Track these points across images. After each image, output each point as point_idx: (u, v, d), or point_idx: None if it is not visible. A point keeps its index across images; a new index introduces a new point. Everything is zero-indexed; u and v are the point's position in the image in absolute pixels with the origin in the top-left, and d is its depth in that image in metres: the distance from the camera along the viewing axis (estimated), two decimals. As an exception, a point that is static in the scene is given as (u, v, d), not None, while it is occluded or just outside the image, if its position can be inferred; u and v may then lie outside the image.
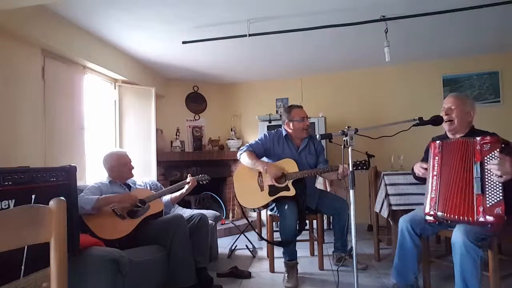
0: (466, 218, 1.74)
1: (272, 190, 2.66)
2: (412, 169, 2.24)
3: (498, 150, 1.70)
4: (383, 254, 3.09)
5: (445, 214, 1.82)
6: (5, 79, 2.39)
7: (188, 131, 4.95)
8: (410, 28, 3.30)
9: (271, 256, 2.85)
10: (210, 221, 2.89)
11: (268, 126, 4.44)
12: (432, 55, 4.26)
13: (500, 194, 1.66)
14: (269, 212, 2.87)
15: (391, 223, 2.73)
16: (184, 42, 3.32)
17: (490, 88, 4.28)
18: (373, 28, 3.08)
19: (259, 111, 4.86)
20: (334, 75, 4.81)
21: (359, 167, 2.44)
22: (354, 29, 3.12)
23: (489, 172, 1.71)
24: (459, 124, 2.07)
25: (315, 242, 3.15)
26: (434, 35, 3.57)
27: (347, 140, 1.82)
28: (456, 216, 1.78)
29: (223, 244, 3.62)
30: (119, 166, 2.65)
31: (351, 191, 1.82)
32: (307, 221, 2.96)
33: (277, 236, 2.88)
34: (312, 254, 3.27)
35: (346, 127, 1.84)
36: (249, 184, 2.74)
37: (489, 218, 1.66)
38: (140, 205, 2.46)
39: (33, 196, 1.59)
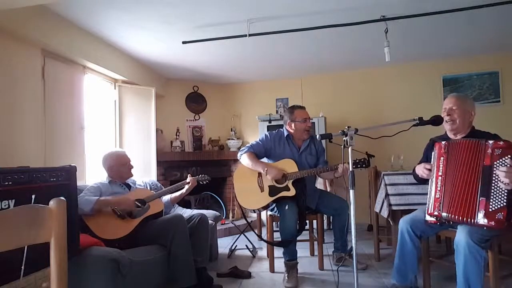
0: (466, 219, 1.75)
1: (272, 190, 2.66)
2: (413, 170, 2.23)
3: (509, 156, 1.68)
4: (383, 254, 3.09)
5: (450, 215, 1.82)
6: (5, 79, 2.39)
7: (188, 131, 4.95)
8: (410, 28, 3.29)
9: (271, 256, 2.85)
10: (210, 221, 2.89)
11: (268, 126, 4.44)
12: (432, 55, 4.26)
13: (505, 200, 1.64)
14: (269, 212, 2.87)
15: (391, 223, 2.73)
16: (184, 42, 3.32)
17: (490, 88, 4.28)
18: (373, 28, 3.08)
19: (259, 111, 4.86)
20: (334, 75, 4.81)
21: (359, 165, 2.45)
22: (354, 29, 3.12)
23: (496, 177, 1.70)
24: (461, 124, 2.07)
25: (315, 242, 3.15)
26: (434, 35, 3.57)
27: (347, 140, 1.82)
28: (458, 217, 1.78)
29: (223, 244, 3.62)
30: (119, 166, 2.65)
31: (351, 191, 1.82)
32: (307, 221, 2.97)
33: (277, 236, 2.88)
34: (312, 254, 3.27)
35: (346, 127, 1.84)
36: (249, 184, 2.74)
37: (490, 223, 1.66)
38: (140, 205, 2.46)
39: (33, 196, 1.59)
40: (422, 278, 2.26)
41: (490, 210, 1.67)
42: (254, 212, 3.07)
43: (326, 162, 2.93)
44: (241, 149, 2.91)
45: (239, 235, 3.64)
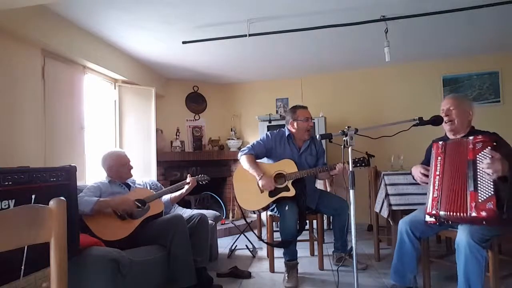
0: (460, 214, 1.78)
1: (272, 191, 2.66)
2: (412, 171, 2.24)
3: (489, 148, 1.75)
4: (383, 254, 3.09)
5: (447, 213, 1.84)
6: (5, 79, 2.39)
7: (188, 131, 4.95)
8: (410, 28, 3.30)
9: (271, 256, 2.85)
10: (210, 221, 2.89)
11: (268, 126, 4.44)
12: (432, 55, 4.26)
13: (491, 190, 1.70)
14: (269, 213, 2.87)
15: (391, 223, 2.73)
16: (184, 42, 3.32)
17: (490, 88, 4.28)
18: (373, 28, 3.08)
19: (259, 111, 4.86)
20: (334, 75, 4.81)
21: (358, 164, 2.45)
22: (354, 29, 3.12)
23: (481, 169, 1.76)
24: (459, 124, 2.09)
25: (315, 242, 3.15)
26: (434, 35, 3.57)
27: (347, 140, 1.83)
28: (454, 213, 1.80)
29: (223, 244, 3.62)
30: (118, 167, 2.64)
31: (351, 191, 1.82)
32: (307, 221, 2.97)
33: (277, 236, 2.88)
34: (312, 254, 3.27)
35: (346, 127, 1.84)
36: (249, 185, 2.73)
37: (482, 213, 1.70)
38: (140, 205, 2.46)
39: (33, 196, 1.58)
40: (422, 278, 2.26)
41: (480, 201, 1.72)
42: (254, 213, 3.06)
43: (325, 163, 2.93)
44: (241, 150, 2.90)
45: (239, 235, 3.64)
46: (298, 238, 2.66)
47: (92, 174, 3.25)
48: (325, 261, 2.90)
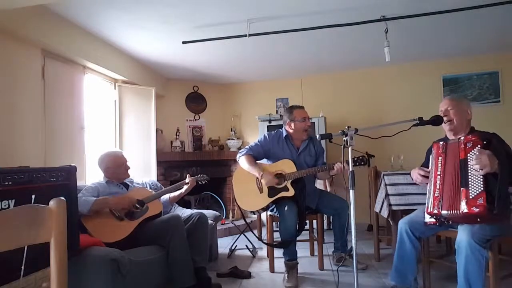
0: (455, 211, 1.80)
1: (271, 191, 2.66)
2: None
3: (479, 146, 1.80)
4: (383, 254, 3.09)
5: (449, 212, 1.84)
6: (5, 79, 2.39)
7: (188, 131, 4.95)
8: (410, 28, 3.30)
9: (271, 256, 2.85)
10: (210, 221, 2.89)
11: (268, 126, 4.44)
12: (432, 55, 4.26)
13: (481, 186, 1.74)
14: (269, 213, 2.87)
15: (391, 223, 2.73)
16: (184, 42, 3.32)
17: (490, 88, 4.28)
18: (373, 28, 3.08)
19: (259, 111, 4.86)
20: (334, 75, 4.81)
21: (357, 163, 2.45)
22: (354, 29, 3.12)
23: (471, 167, 1.80)
24: (459, 123, 2.09)
25: (315, 242, 3.15)
26: (434, 35, 3.57)
27: (347, 140, 1.83)
28: (451, 211, 1.81)
29: (223, 244, 3.62)
30: (115, 167, 2.62)
31: (351, 191, 1.82)
32: (307, 221, 2.97)
33: (277, 236, 2.88)
34: (312, 254, 3.27)
35: (346, 127, 1.84)
36: (248, 186, 2.73)
37: (473, 209, 1.72)
38: (138, 206, 2.45)
39: (33, 196, 1.58)
40: (422, 278, 2.26)
41: (471, 197, 1.75)
42: (254, 213, 3.06)
43: (324, 163, 2.92)
44: (240, 151, 2.91)
45: (239, 235, 3.64)
46: (298, 238, 2.66)
47: (92, 174, 3.25)
48: (325, 261, 2.90)
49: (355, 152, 1.93)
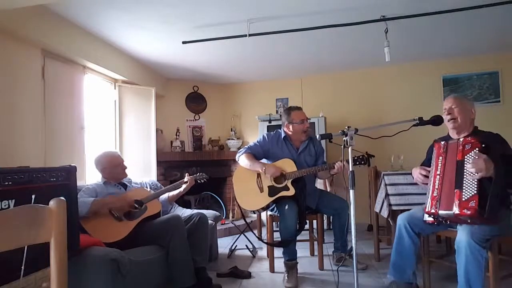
0: (448, 212, 1.81)
1: (272, 190, 2.66)
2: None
3: (477, 149, 1.80)
4: (383, 254, 3.09)
5: (447, 212, 1.84)
6: (5, 79, 2.39)
7: (188, 131, 4.95)
8: (410, 28, 3.30)
9: (271, 256, 2.85)
10: (210, 221, 2.89)
11: (268, 126, 4.44)
12: (432, 55, 4.26)
13: (475, 189, 1.75)
14: (269, 212, 2.87)
15: (391, 223, 2.73)
16: (184, 42, 3.32)
17: (490, 88, 4.28)
18: (373, 28, 3.08)
19: (259, 111, 4.86)
20: (334, 75, 4.81)
21: (357, 162, 2.45)
22: (354, 29, 3.12)
23: (467, 169, 1.81)
24: (462, 122, 2.09)
25: (315, 242, 3.15)
26: (434, 35, 3.57)
27: (347, 140, 1.83)
28: (447, 211, 1.82)
29: (223, 244, 3.62)
30: (111, 168, 2.61)
31: (351, 191, 1.82)
32: (307, 221, 2.97)
33: (277, 236, 2.88)
34: (312, 254, 3.27)
35: (346, 127, 1.85)
36: (249, 185, 2.73)
37: (464, 211, 1.74)
38: (137, 206, 2.44)
39: (33, 196, 1.58)
40: (422, 278, 2.26)
41: (463, 199, 1.76)
42: (254, 213, 3.06)
43: (324, 162, 2.92)
44: (239, 151, 2.91)
45: (239, 235, 3.64)
46: (298, 238, 2.66)
47: (92, 174, 3.25)
48: (325, 261, 2.90)
49: (355, 152, 1.93)
